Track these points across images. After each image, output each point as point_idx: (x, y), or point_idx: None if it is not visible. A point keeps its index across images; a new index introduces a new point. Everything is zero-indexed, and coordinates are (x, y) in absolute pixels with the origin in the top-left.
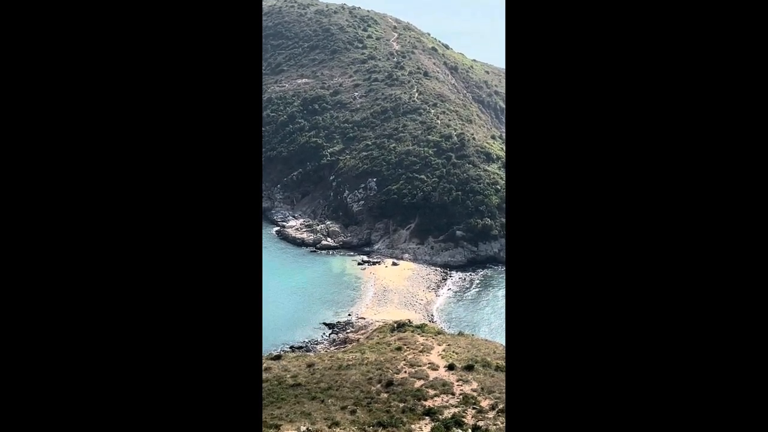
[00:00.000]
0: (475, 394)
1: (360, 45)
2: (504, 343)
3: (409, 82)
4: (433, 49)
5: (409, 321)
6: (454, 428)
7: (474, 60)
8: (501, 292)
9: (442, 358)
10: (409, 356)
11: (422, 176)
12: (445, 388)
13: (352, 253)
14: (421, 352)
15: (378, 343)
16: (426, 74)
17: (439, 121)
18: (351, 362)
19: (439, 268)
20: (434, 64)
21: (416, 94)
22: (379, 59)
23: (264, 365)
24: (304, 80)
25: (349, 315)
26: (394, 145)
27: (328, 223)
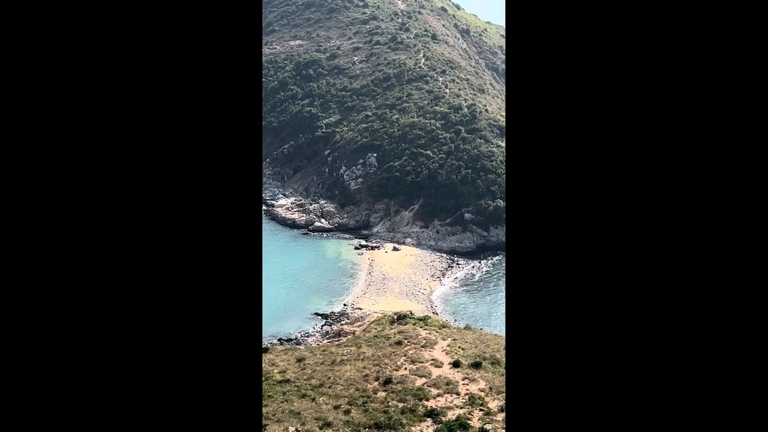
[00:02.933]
0: (482, 394)
1: (361, 3)
2: None
3: (415, 46)
4: (443, 9)
5: (411, 312)
6: (459, 431)
7: (488, 23)
8: None
9: (447, 354)
10: (410, 351)
11: (428, 152)
12: (449, 387)
13: (348, 237)
14: (423, 347)
15: (375, 336)
16: (434, 37)
17: (447, 91)
18: (345, 357)
19: (444, 255)
20: (443, 26)
21: (423, 60)
22: (382, 20)
23: None
24: (297, 42)
25: (344, 305)
26: (397, 116)
27: (323, 202)
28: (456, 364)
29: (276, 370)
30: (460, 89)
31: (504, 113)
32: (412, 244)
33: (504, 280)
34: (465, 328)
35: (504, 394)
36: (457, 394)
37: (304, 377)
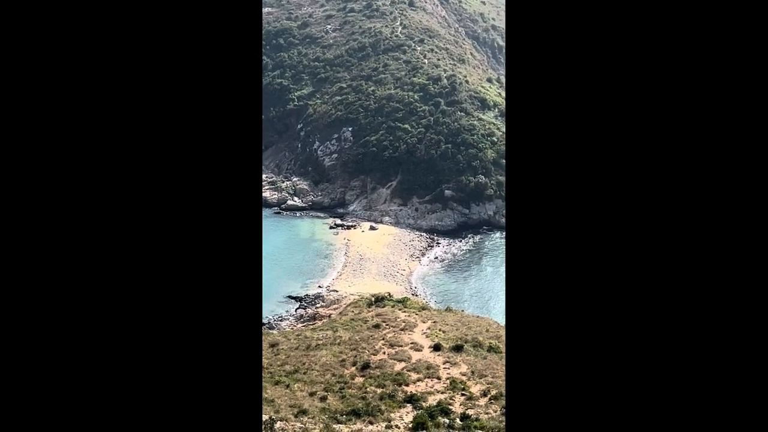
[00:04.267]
0: (464, 378)
1: None
2: (498, 321)
3: (391, 13)
4: None
5: (389, 294)
6: (440, 417)
7: None
8: (496, 261)
9: (427, 337)
10: (389, 335)
11: (406, 126)
12: (429, 371)
13: (323, 216)
14: (402, 330)
15: (352, 319)
16: (411, 4)
17: (426, 61)
18: (321, 341)
19: (424, 234)
20: None
21: (399, 28)
22: None
23: None
24: (266, 10)
25: (319, 287)
26: (373, 88)
27: (295, 179)
28: (437, 348)
29: None
30: (439, 59)
31: (485, 84)
32: (390, 223)
33: (487, 259)
34: (446, 309)
35: (487, 378)
36: (438, 378)
37: (278, 363)
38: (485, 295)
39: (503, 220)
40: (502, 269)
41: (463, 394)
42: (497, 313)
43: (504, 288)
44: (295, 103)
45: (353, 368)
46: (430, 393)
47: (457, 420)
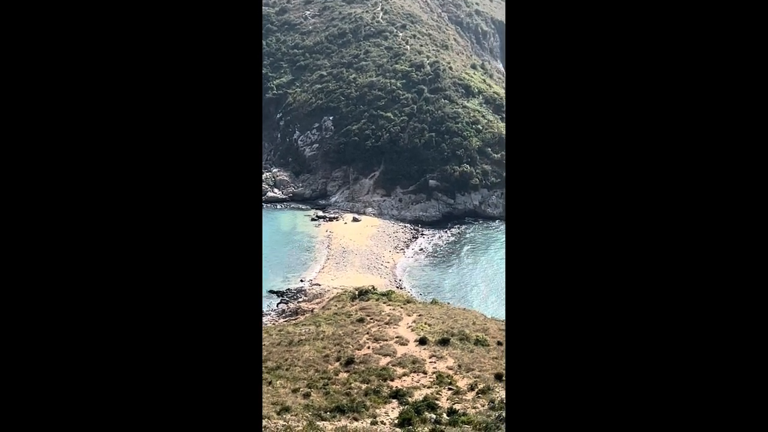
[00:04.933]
0: (450, 372)
1: None
2: (485, 313)
3: None
4: None
5: (373, 287)
6: (426, 412)
7: None
8: (483, 253)
9: (412, 330)
10: (373, 329)
11: (388, 114)
12: (415, 366)
13: (304, 207)
14: (387, 323)
15: (336, 314)
16: None
17: (408, 47)
18: (304, 337)
19: (408, 225)
20: None
21: (381, 14)
22: None
23: None
24: None
25: (302, 281)
26: (354, 75)
27: (275, 170)
28: (422, 342)
29: None
30: (421, 45)
31: (469, 71)
32: (373, 214)
33: (472, 249)
34: (431, 302)
35: (474, 372)
36: (424, 373)
37: None
38: (473, 286)
39: (489, 209)
40: (484, 260)
41: (449, 389)
42: (484, 306)
43: (484, 280)
44: (274, 91)
45: (337, 364)
46: (416, 388)
47: (444, 415)
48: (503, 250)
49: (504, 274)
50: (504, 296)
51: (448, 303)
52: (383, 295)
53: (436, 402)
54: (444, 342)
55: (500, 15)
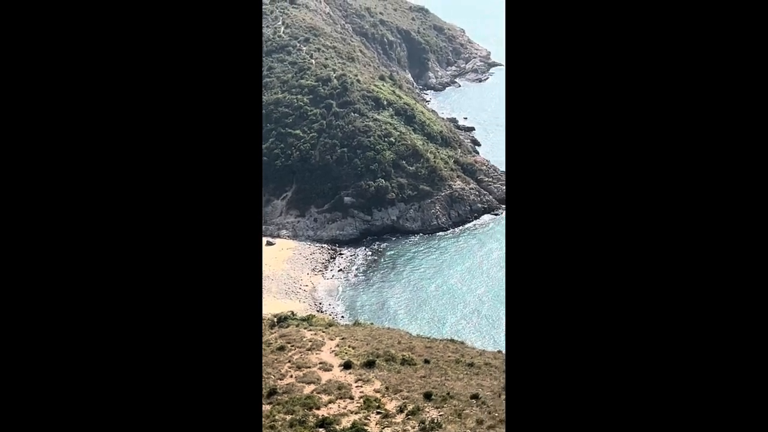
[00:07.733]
0: (378, 395)
1: None
2: (410, 331)
3: (272, 12)
4: None
5: (292, 313)
6: None
7: None
8: (403, 269)
9: (336, 355)
10: (295, 356)
11: (297, 131)
12: (341, 391)
13: None
14: (309, 350)
15: None
16: (292, 2)
17: (313, 61)
18: None
19: (325, 245)
20: None
21: (282, 28)
22: None
23: None
24: None
25: None
26: None
27: None
28: (347, 366)
29: None
30: (327, 59)
31: (378, 83)
32: (288, 237)
33: (392, 266)
34: (354, 324)
35: (402, 393)
36: (351, 398)
37: None
38: (394, 305)
39: (408, 224)
40: (405, 276)
41: (378, 413)
42: (409, 323)
43: (407, 297)
44: None
45: None
46: (343, 414)
47: None
48: (424, 265)
49: (424, 288)
50: (428, 311)
51: (372, 323)
52: (303, 320)
53: (365, 428)
54: (369, 364)
55: (405, 24)
